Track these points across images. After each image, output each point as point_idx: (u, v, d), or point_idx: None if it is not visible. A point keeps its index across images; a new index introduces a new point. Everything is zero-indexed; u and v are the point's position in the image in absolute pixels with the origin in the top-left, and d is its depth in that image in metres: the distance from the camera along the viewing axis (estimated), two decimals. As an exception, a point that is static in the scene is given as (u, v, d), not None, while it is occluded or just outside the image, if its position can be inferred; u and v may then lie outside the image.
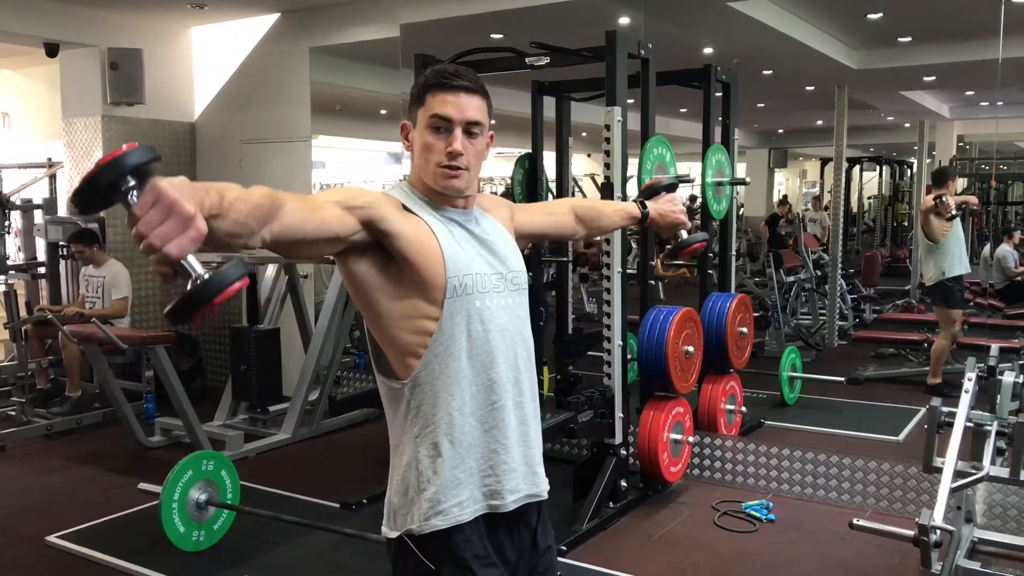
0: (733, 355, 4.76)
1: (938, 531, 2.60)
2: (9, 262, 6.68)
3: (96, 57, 6.07)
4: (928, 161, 8.84)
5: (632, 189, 4.21)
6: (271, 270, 5.61)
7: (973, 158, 9.18)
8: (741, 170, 6.13)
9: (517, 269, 1.67)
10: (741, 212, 11.59)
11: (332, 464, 4.86)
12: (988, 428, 3.06)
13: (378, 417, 5.16)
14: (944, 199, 5.64)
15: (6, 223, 6.89)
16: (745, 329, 4.87)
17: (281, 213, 1.32)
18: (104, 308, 5.59)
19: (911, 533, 2.67)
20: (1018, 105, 7.49)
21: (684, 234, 2.24)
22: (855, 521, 2.97)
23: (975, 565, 3.26)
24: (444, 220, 1.59)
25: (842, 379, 5.87)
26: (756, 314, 6.46)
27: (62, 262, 6.41)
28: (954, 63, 6.75)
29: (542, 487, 1.69)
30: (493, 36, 5.77)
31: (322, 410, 5.35)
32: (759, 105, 9.96)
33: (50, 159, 6.81)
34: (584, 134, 7.89)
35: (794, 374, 5.79)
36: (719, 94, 5.06)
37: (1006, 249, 7.33)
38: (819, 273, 7.93)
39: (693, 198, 10.41)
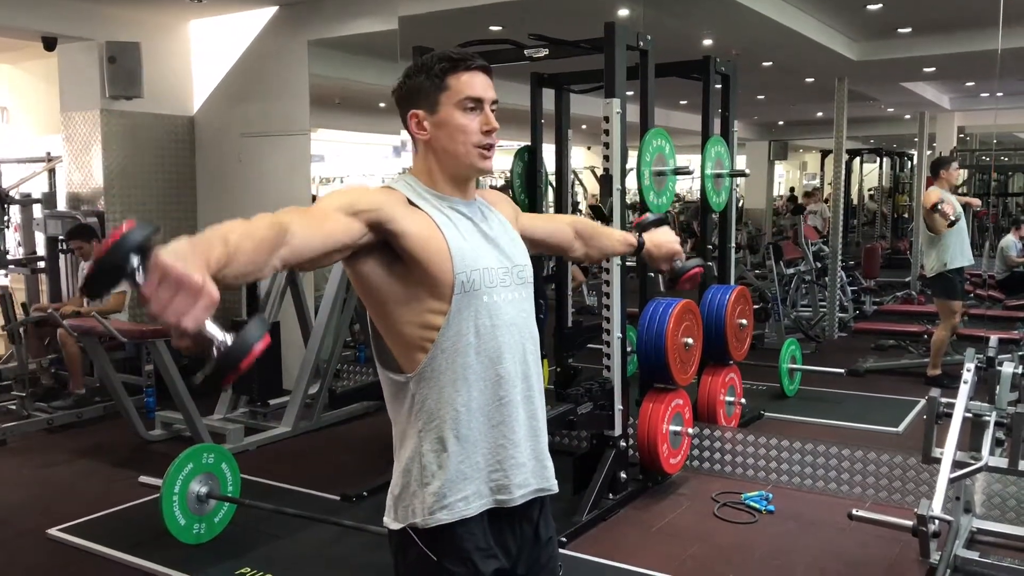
0: (732, 347, 4.76)
1: (936, 521, 2.61)
2: (8, 257, 6.69)
3: (94, 51, 6.06)
4: (928, 153, 8.81)
5: (631, 182, 4.21)
6: (271, 264, 5.60)
7: (974, 149, 9.15)
8: (741, 162, 6.14)
9: (523, 263, 1.66)
10: (741, 204, 11.58)
11: (332, 457, 4.87)
12: (987, 419, 3.07)
13: (378, 410, 5.18)
14: (941, 207, 5.60)
15: (5, 218, 6.89)
16: (745, 321, 4.88)
17: (287, 237, 1.33)
18: (101, 303, 5.59)
19: (910, 523, 2.68)
20: (1018, 96, 7.47)
21: (679, 263, 2.21)
22: (854, 512, 2.98)
23: (974, 555, 3.28)
24: (450, 213, 1.58)
25: (842, 371, 5.87)
26: (756, 306, 6.46)
27: (61, 257, 6.42)
28: (954, 54, 6.73)
29: (551, 481, 1.68)
30: (492, 28, 5.77)
31: (322, 403, 5.36)
32: (759, 97, 9.93)
33: (49, 153, 6.80)
34: (584, 127, 7.89)
35: (794, 366, 5.79)
36: (718, 86, 5.06)
37: (1011, 239, 7.32)
38: (819, 265, 7.93)
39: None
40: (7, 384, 5.86)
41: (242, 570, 3.40)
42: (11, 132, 8.11)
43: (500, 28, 5.70)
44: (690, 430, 4.31)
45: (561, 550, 3.38)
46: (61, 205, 6.54)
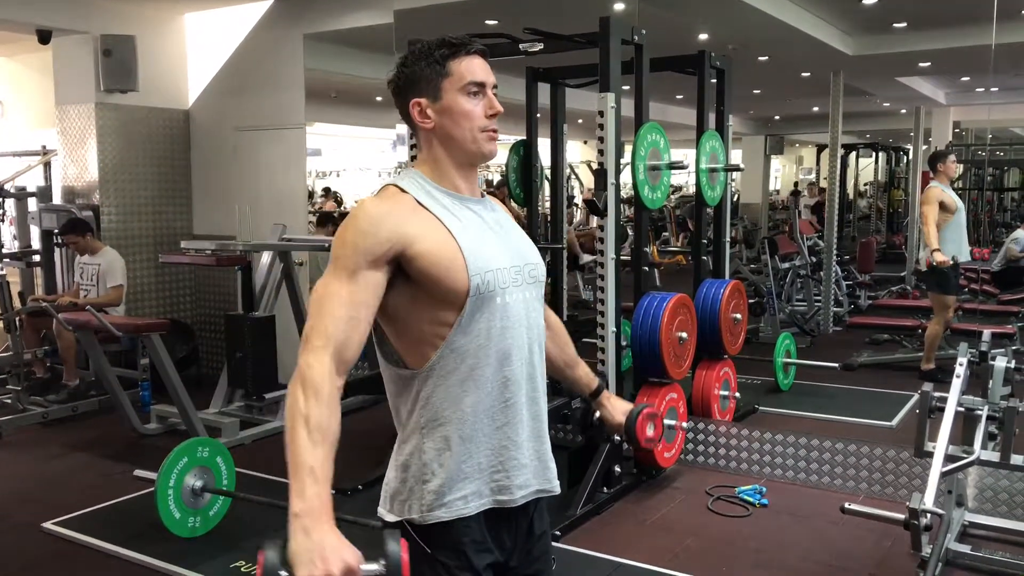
0: (727, 341, 4.77)
1: (928, 515, 2.63)
2: (4, 250, 6.68)
3: (89, 44, 6.04)
4: (924, 147, 8.83)
5: (626, 176, 4.21)
6: (266, 257, 5.60)
7: (969, 144, 9.16)
8: (737, 157, 6.13)
9: (535, 261, 1.64)
10: (737, 199, 11.58)
11: (328, 451, 4.86)
12: (979, 413, 3.08)
13: (373, 404, 5.18)
14: (936, 256, 5.55)
15: (1, 211, 6.88)
16: (739, 315, 4.89)
17: (340, 366, 1.43)
18: (99, 296, 5.59)
19: (902, 517, 2.70)
20: (1012, 91, 7.49)
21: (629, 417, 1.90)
22: (847, 505, 2.99)
23: (965, 548, 3.30)
24: (460, 212, 1.55)
25: (836, 365, 5.88)
26: (751, 300, 6.47)
27: (57, 250, 6.41)
28: (949, 49, 6.74)
29: (554, 482, 1.66)
30: (487, 22, 5.76)
31: (318, 397, 5.35)
32: (755, 92, 9.93)
33: (44, 147, 6.79)
34: (580, 121, 7.87)
35: (788, 360, 5.81)
36: (714, 80, 5.06)
37: (1021, 233, 7.30)
38: (814, 259, 7.94)
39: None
40: (3, 378, 5.86)
41: (237, 563, 3.41)
42: (6, 125, 8.09)
43: (495, 22, 5.70)
44: (684, 424, 4.32)
45: (555, 543, 3.40)
46: (56, 199, 6.53)
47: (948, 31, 6.54)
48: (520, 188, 5.26)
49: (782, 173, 19.20)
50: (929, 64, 7.80)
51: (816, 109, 10.57)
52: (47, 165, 6.78)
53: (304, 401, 1.38)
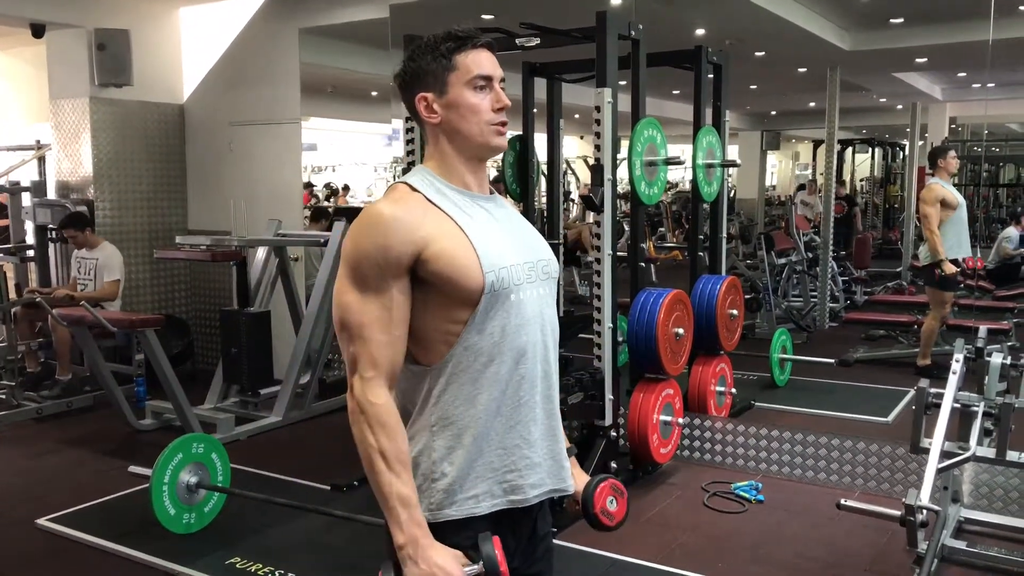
0: (723, 337, 4.77)
1: (924, 511, 2.62)
2: (-2, 245, 6.65)
3: (83, 38, 6.01)
4: (920, 143, 8.83)
5: (623, 171, 4.20)
6: (261, 252, 5.59)
7: (965, 140, 9.16)
8: (733, 152, 6.13)
9: (547, 257, 1.62)
10: (734, 194, 11.58)
11: (323, 447, 4.86)
12: (975, 409, 3.09)
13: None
14: (943, 268, 5.61)
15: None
16: (735, 311, 4.88)
17: (392, 380, 1.48)
18: (95, 290, 5.57)
19: (898, 513, 2.69)
20: (1009, 86, 7.49)
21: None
22: (843, 502, 2.99)
23: (961, 544, 3.30)
24: (471, 209, 1.53)
25: (832, 361, 5.88)
26: (747, 296, 6.47)
27: (51, 245, 6.38)
28: (945, 44, 6.73)
29: (568, 482, 1.64)
30: (483, 17, 5.74)
31: (313, 393, 5.35)
32: (751, 87, 9.92)
33: (38, 141, 6.76)
34: (576, 116, 7.86)
35: (785, 356, 5.81)
36: (710, 76, 5.05)
37: (1012, 231, 7.33)
38: (810, 255, 7.94)
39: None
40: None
41: (232, 559, 3.40)
42: (0, 119, 8.05)
43: (491, 17, 5.68)
44: (680, 420, 4.32)
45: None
46: (51, 193, 6.50)
47: (945, 26, 6.53)
48: (516, 184, 5.25)
49: (778, 169, 19.20)
50: (925, 60, 7.79)
51: (812, 105, 10.56)
52: (41, 160, 6.75)
53: (375, 438, 1.43)
